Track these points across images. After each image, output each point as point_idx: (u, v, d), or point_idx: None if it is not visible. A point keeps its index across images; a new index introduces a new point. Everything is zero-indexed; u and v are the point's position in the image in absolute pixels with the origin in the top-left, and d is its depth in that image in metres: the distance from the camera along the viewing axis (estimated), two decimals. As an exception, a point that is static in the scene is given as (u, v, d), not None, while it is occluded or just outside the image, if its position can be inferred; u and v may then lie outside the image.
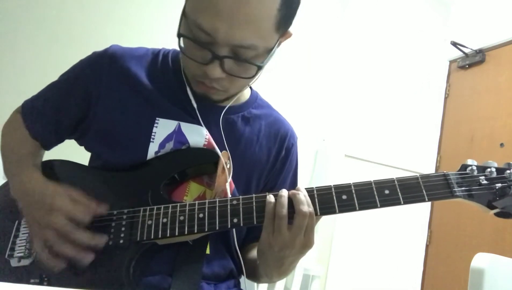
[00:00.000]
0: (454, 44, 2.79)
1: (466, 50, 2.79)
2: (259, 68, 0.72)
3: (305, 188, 0.70)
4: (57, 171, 0.81)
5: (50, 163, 0.83)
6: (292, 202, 0.68)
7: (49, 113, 0.85)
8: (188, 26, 0.69)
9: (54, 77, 0.88)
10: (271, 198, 0.69)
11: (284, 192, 0.69)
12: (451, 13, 3.22)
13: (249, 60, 0.70)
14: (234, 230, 0.84)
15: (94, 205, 0.71)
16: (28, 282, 0.71)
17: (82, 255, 0.68)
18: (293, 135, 0.94)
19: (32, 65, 2.06)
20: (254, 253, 0.84)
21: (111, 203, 0.73)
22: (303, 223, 0.66)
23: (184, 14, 0.70)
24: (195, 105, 0.80)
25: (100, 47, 0.85)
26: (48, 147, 0.88)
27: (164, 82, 0.83)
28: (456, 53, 2.86)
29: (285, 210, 0.67)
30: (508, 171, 0.68)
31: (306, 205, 0.67)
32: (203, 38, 0.67)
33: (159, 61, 0.85)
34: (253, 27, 0.66)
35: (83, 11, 2.22)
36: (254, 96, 0.92)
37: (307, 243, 0.68)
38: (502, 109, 2.53)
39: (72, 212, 0.70)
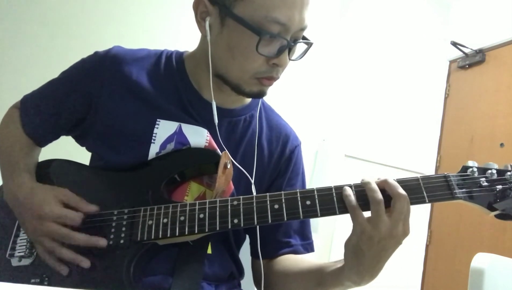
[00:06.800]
0: (454, 44, 2.78)
1: (466, 50, 2.79)
2: (311, 45, 0.78)
3: (306, 189, 0.70)
4: (57, 171, 0.81)
5: (50, 163, 0.83)
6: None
7: (46, 111, 0.85)
8: (253, 25, 0.70)
9: (54, 77, 0.88)
10: (347, 191, 0.67)
11: (367, 179, 0.67)
12: (451, 13, 3.22)
13: (308, 40, 0.77)
14: (231, 231, 0.85)
15: (83, 204, 0.72)
16: (28, 282, 0.71)
17: (80, 258, 0.69)
18: (295, 138, 0.94)
19: (32, 65, 2.05)
20: (284, 264, 0.84)
21: (112, 203, 0.73)
22: (403, 208, 0.64)
23: (241, 19, 0.70)
24: (214, 108, 0.79)
25: (100, 47, 0.85)
26: (41, 144, 0.87)
27: (167, 84, 0.83)
28: (456, 53, 2.85)
29: (379, 194, 0.64)
30: (508, 173, 0.67)
31: (401, 188, 0.65)
32: (275, 31, 0.71)
33: (162, 63, 0.85)
34: (309, 7, 0.74)
35: (83, 11, 2.21)
36: (257, 99, 0.91)
37: (406, 231, 0.65)
38: (502, 109, 2.52)
39: (61, 216, 0.70)
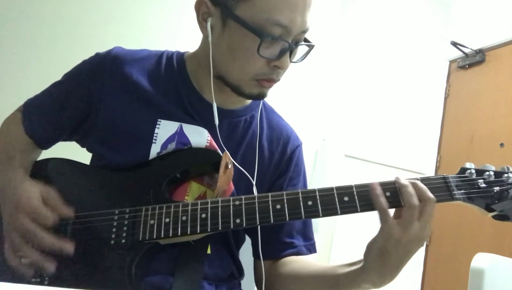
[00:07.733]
0: (454, 44, 2.79)
1: (466, 50, 2.79)
2: (312, 47, 0.79)
3: (307, 189, 0.70)
4: (55, 170, 0.81)
5: (48, 161, 0.82)
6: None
7: (49, 112, 0.85)
8: (255, 27, 0.70)
9: (54, 77, 0.88)
10: (377, 190, 0.66)
11: (403, 181, 0.66)
12: (451, 13, 3.23)
13: (310, 42, 0.78)
14: (231, 232, 0.84)
15: (60, 207, 0.71)
16: (29, 281, 0.70)
17: (43, 260, 0.68)
18: (296, 139, 0.94)
19: (33, 66, 2.06)
20: (291, 266, 0.83)
21: (113, 202, 0.74)
22: (432, 211, 0.64)
23: (242, 21, 0.70)
24: (215, 109, 0.79)
25: (100, 48, 0.86)
26: (43, 146, 0.87)
27: (168, 84, 0.83)
28: (456, 53, 2.85)
29: (417, 200, 0.64)
30: (505, 175, 0.68)
31: (430, 192, 0.65)
32: (277, 33, 0.71)
33: (162, 63, 0.85)
34: (311, 9, 0.73)
35: (84, 11, 2.22)
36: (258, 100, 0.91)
37: (429, 232, 0.66)
38: (502, 109, 2.52)
39: (35, 211, 0.69)
